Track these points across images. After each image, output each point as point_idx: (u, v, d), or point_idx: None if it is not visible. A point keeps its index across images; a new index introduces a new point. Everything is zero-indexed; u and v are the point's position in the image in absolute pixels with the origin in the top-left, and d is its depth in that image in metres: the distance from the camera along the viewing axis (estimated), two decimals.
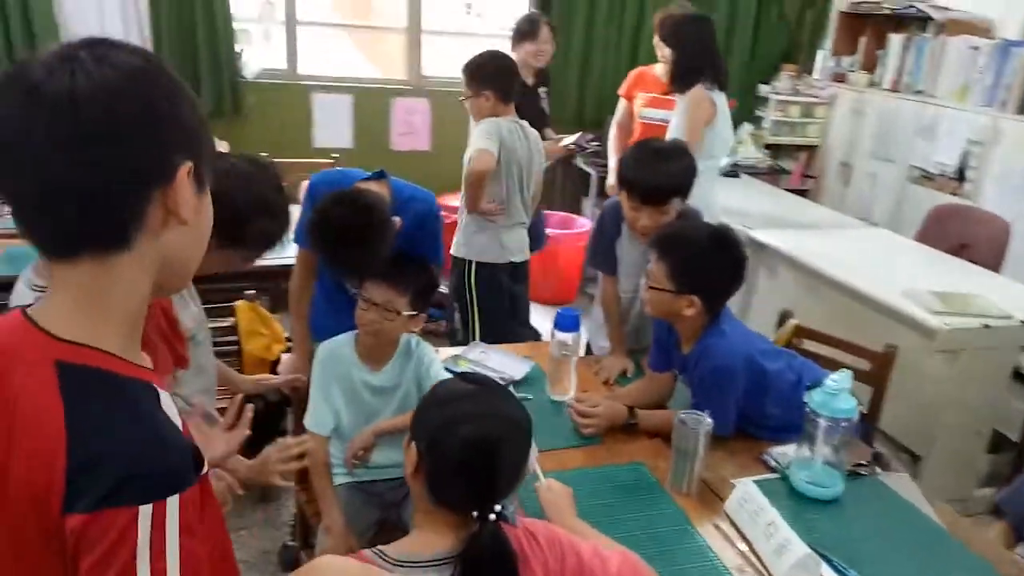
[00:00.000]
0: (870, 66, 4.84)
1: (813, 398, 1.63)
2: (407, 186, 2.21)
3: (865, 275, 2.96)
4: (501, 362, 2.18)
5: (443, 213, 2.36)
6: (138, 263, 0.74)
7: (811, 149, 5.11)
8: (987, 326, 2.60)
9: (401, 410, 1.89)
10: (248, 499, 2.56)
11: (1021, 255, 3.47)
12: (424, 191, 2.24)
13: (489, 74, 2.81)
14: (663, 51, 3.24)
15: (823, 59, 5.13)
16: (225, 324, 2.44)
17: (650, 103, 3.55)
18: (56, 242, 0.73)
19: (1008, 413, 2.87)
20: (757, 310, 3.39)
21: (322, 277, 2.29)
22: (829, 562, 1.44)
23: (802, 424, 1.67)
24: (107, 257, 0.73)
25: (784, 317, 2.40)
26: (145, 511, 0.66)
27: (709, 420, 1.65)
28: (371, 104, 4.72)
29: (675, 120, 3.20)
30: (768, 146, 5.08)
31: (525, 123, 2.94)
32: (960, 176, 4.05)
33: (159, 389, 0.76)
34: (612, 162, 3.68)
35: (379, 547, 1.16)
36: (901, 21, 4.65)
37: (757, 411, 1.85)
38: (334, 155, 4.05)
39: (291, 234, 2.14)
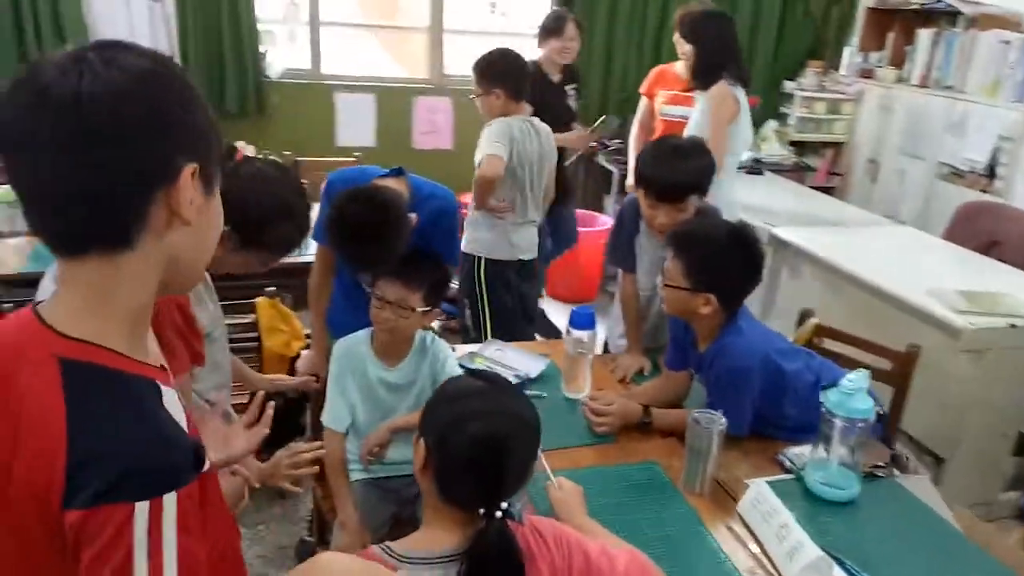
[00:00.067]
0: (898, 62, 4.76)
1: (829, 398, 1.61)
2: (427, 183, 2.21)
3: (890, 274, 2.91)
4: (517, 359, 2.19)
5: (464, 211, 2.37)
6: (143, 262, 0.75)
7: (837, 146, 5.05)
8: (1014, 326, 2.55)
9: (416, 407, 1.89)
10: (266, 494, 2.59)
11: None
12: (444, 188, 2.25)
13: (500, 72, 2.81)
14: (683, 48, 3.21)
15: (850, 55, 5.06)
16: (246, 320, 2.47)
17: (671, 100, 3.53)
18: (62, 240, 0.74)
19: None
20: (780, 309, 3.35)
21: (340, 274, 2.31)
22: (842, 565, 1.42)
23: (819, 425, 1.65)
24: (112, 256, 0.74)
25: (804, 316, 2.38)
26: (142, 507, 0.66)
27: (723, 420, 1.63)
28: (394, 103, 4.74)
29: (696, 117, 3.17)
30: (793, 143, 5.03)
31: (536, 120, 2.93)
32: (991, 173, 3.97)
33: (163, 386, 0.76)
34: (633, 160, 3.67)
35: (387, 543, 1.17)
36: (930, 15, 4.57)
37: (774, 411, 1.83)
38: (356, 154, 4.08)
39: (310, 235, 2.18)
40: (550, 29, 3.58)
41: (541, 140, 2.93)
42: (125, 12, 4.19)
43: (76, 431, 0.68)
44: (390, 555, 1.15)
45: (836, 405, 1.58)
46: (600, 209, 5.02)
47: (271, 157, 3.90)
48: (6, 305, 2.34)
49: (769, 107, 5.11)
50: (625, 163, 4.14)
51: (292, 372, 2.38)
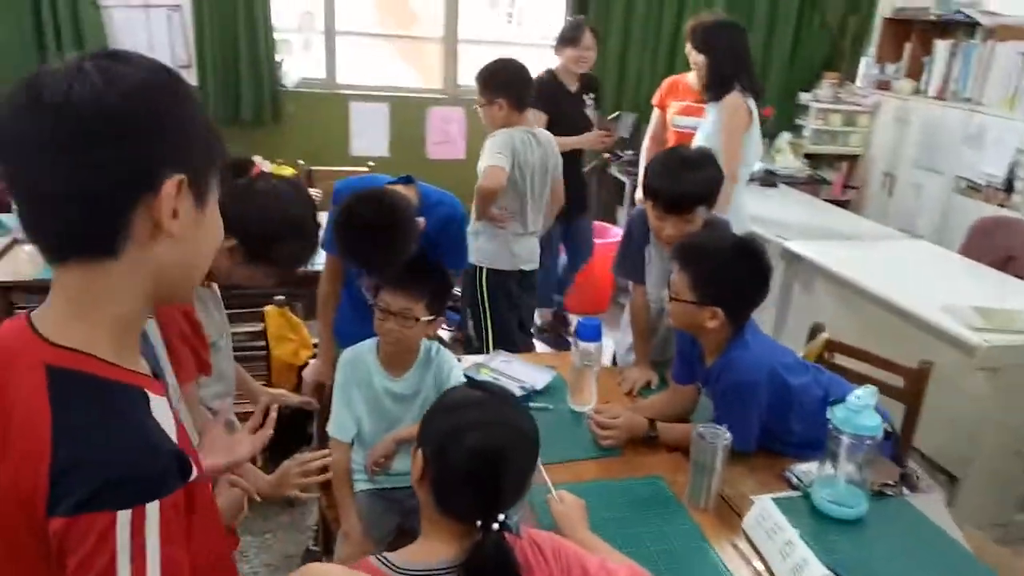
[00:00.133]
0: (915, 73, 4.73)
1: (836, 414, 1.59)
2: (435, 191, 2.22)
3: (904, 289, 2.88)
4: (523, 371, 2.18)
5: None
6: (127, 272, 0.75)
7: (853, 159, 5.00)
8: None
9: (421, 418, 1.89)
10: (274, 502, 2.59)
11: None
12: (451, 196, 2.25)
13: (502, 82, 2.81)
14: (695, 58, 3.20)
15: (866, 66, 5.02)
16: (254, 329, 2.48)
17: (683, 111, 3.53)
18: (48, 246, 0.75)
19: None
20: (792, 323, 3.32)
21: (349, 284, 2.32)
22: None
23: (826, 441, 1.63)
24: (95, 264, 0.74)
25: (815, 331, 2.35)
26: (124, 516, 0.66)
27: (728, 434, 1.61)
28: (407, 113, 4.75)
29: (707, 128, 3.16)
30: (808, 155, 4.99)
31: (538, 130, 2.94)
32: (1008, 187, 3.92)
33: (152, 395, 0.76)
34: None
35: (384, 554, 1.17)
36: (947, 27, 4.53)
37: (781, 427, 1.81)
38: (370, 163, 4.09)
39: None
40: (567, 38, 3.59)
41: (544, 150, 2.93)
42: (144, 22, 4.25)
43: (60, 438, 0.68)
44: (386, 566, 1.14)
45: (843, 422, 1.56)
46: (613, 220, 5.00)
47: (284, 165, 3.96)
48: (23, 311, 2.37)
49: (784, 119, 5.08)
50: (637, 174, 4.13)
51: (299, 381, 2.38)
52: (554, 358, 2.37)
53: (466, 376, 2.06)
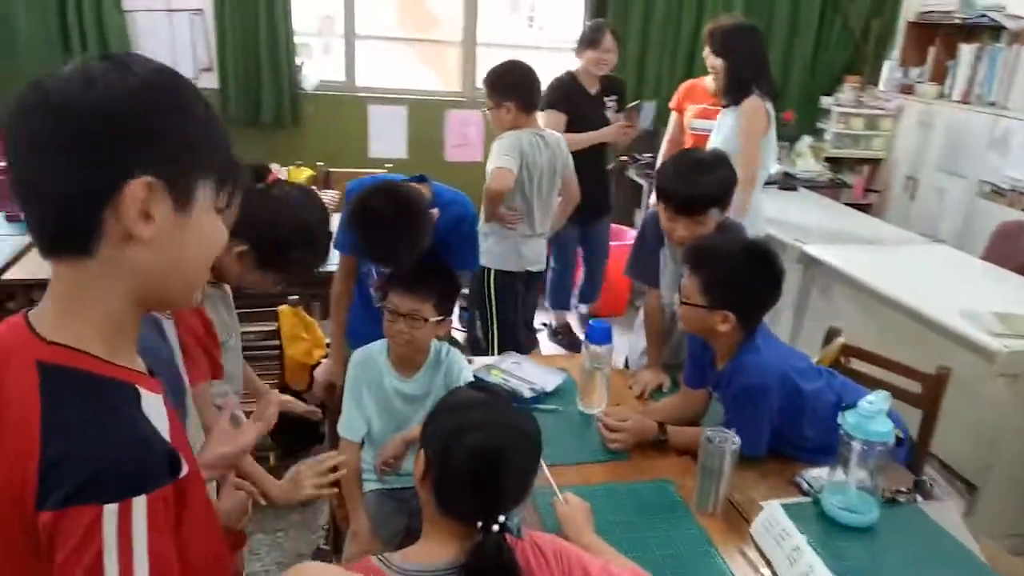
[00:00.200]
0: (939, 77, 4.66)
1: (847, 420, 1.56)
2: (448, 190, 2.23)
3: (923, 294, 2.84)
4: (533, 373, 2.17)
5: None
6: (104, 273, 0.75)
7: (875, 163, 4.95)
8: None
9: None
10: None
11: None
12: (463, 195, 2.26)
13: (510, 84, 2.82)
14: (713, 61, 3.19)
15: (890, 70, 4.96)
16: (268, 328, 2.49)
17: (700, 114, 3.52)
18: (37, 243, 0.76)
19: None
20: (809, 327, 3.29)
21: (361, 285, 2.33)
22: None
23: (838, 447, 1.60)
24: (77, 263, 0.75)
25: (831, 335, 2.32)
26: (110, 509, 0.67)
27: (736, 438, 1.60)
28: (426, 116, 4.78)
29: (724, 131, 3.15)
30: (829, 159, 4.94)
31: (546, 132, 2.94)
32: None
33: (144, 391, 0.77)
34: None
35: (385, 554, 1.17)
36: (972, 30, 4.46)
37: (793, 432, 1.79)
38: (388, 165, 4.12)
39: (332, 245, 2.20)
40: (587, 40, 3.58)
41: (552, 152, 2.93)
42: (167, 25, 4.31)
43: (49, 433, 0.69)
44: (387, 566, 1.14)
45: (854, 427, 1.54)
46: (631, 223, 4.98)
47: (303, 167, 3.99)
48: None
49: (805, 122, 5.03)
50: (655, 176, 4.11)
51: (312, 380, 2.39)
52: (565, 360, 2.36)
53: (475, 377, 2.06)
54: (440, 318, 1.85)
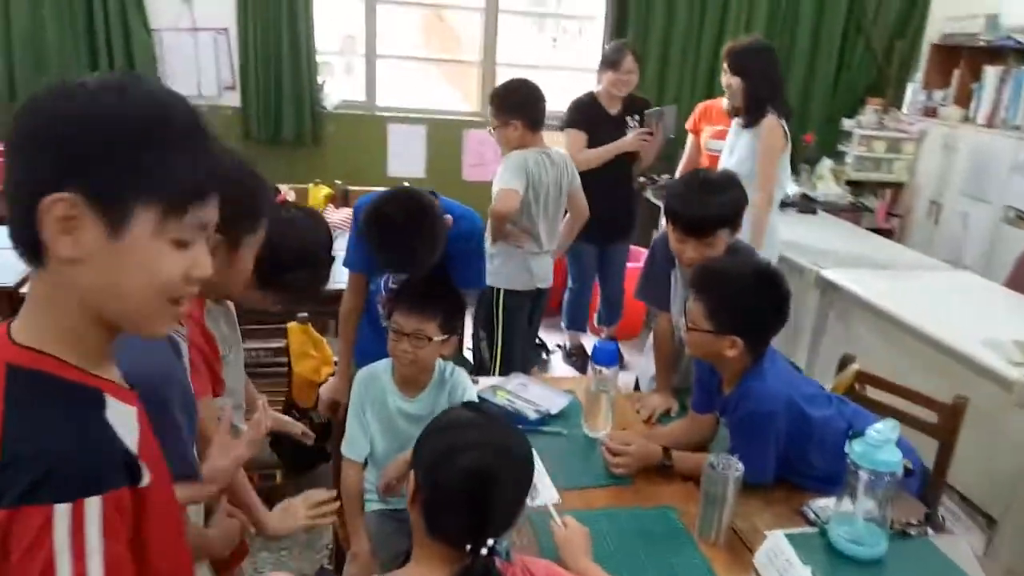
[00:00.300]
0: (963, 100, 4.60)
1: (854, 448, 1.52)
2: (457, 205, 2.24)
3: (943, 321, 2.77)
4: (539, 394, 2.15)
5: None
6: (55, 283, 0.76)
7: (897, 186, 4.88)
8: None
9: None
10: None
11: None
12: (471, 211, 2.27)
13: (516, 102, 2.81)
14: (729, 80, 3.16)
15: (913, 92, 4.91)
16: (277, 345, 2.50)
17: (717, 135, 3.50)
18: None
19: None
20: (826, 353, 3.23)
21: (370, 303, 2.33)
22: None
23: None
24: (39, 270, 0.76)
25: (845, 362, 2.27)
26: (62, 510, 0.67)
27: (740, 465, 1.56)
28: (444, 135, 4.81)
29: (739, 152, 3.12)
30: (850, 182, 4.88)
31: (552, 150, 2.93)
32: None
33: (112, 399, 0.78)
34: None
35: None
36: (998, 53, 4.40)
37: (799, 459, 1.75)
38: (406, 183, 4.13)
39: (341, 263, 2.21)
40: (609, 62, 3.59)
41: (558, 170, 2.93)
42: (192, 44, 4.39)
43: (9, 433, 0.70)
44: None
45: (861, 456, 1.50)
46: (648, 245, 4.95)
47: (321, 185, 4.02)
48: None
49: (826, 145, 4.99)
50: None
51: (319, 398, 2.39)
52: (574, 382, 2.34)
53: (480, 398, 2.04)
54: (444, 337, 1.84)
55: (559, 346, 4.34)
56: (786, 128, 3.08)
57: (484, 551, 1.10)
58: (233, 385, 1.64)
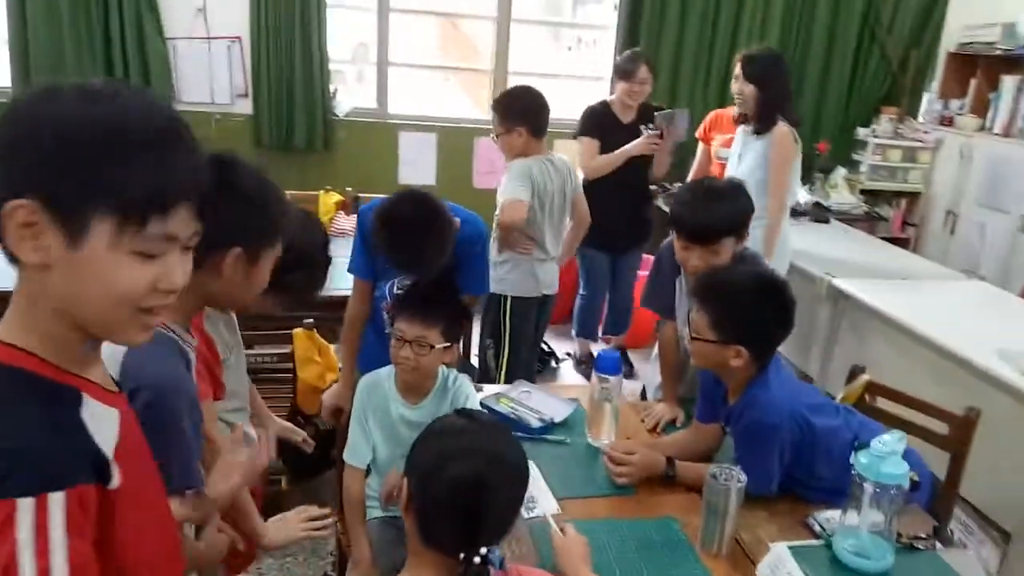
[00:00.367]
0: (980, 109, 4.55)
1: (860, 460, 1.49)
2: (462, 210, 2.24)
3: (957, 332, 2.73)
4: (543, 402, 2.13)
5: None
6: (29, 284, 0.76)
7: (912, 196, 4.83)
8: None
9: None
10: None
11: None
12: (476, 216, 2.28)
13: (520, 110, 2.81)
14: (741, 87, 3.14)
15: (929, 101, 4.86)
16: (282, 351, 2.50)
17: (727, 144, 3.47)
18: None
19: None
20: (838, 363, 3.19)
21: (375, 311, 2.32)
22: None
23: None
24: (16, 268, 0.76)
25: (855, 372, 2.24)
26: (26, 504, 0.67)
27: (742, 476, 1.54)
28: (455, 142, 4.82)
29: (749, 161, 3.10)
30: (864, 192, 4.84)
31: (555, 157, 2.93)
32: None
33: (89, 399, 0.77)
34: None
35: None
36: (1015, 62, 4.35)
37: (804, 470, 1.72)
38: None
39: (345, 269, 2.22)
40: (622, 71, 3.58)
41: (562, 177, 2.93)
42: (205, 52, 4.42)
43: None
44: None
45: (866, 468, 1.47)
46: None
47: (332, 191, 4.03)
48: None
49: (840, 154, 4.95)
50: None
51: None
52: (579, 390, 2.31)
53: (483, 405, 2.03)
54: (447, 344, 1.83)
55: (569, 354, 4.32)
56: (796, 136, 3.06)
57: (477, 560, 1.08)
58: (235, 388, 1.64)
